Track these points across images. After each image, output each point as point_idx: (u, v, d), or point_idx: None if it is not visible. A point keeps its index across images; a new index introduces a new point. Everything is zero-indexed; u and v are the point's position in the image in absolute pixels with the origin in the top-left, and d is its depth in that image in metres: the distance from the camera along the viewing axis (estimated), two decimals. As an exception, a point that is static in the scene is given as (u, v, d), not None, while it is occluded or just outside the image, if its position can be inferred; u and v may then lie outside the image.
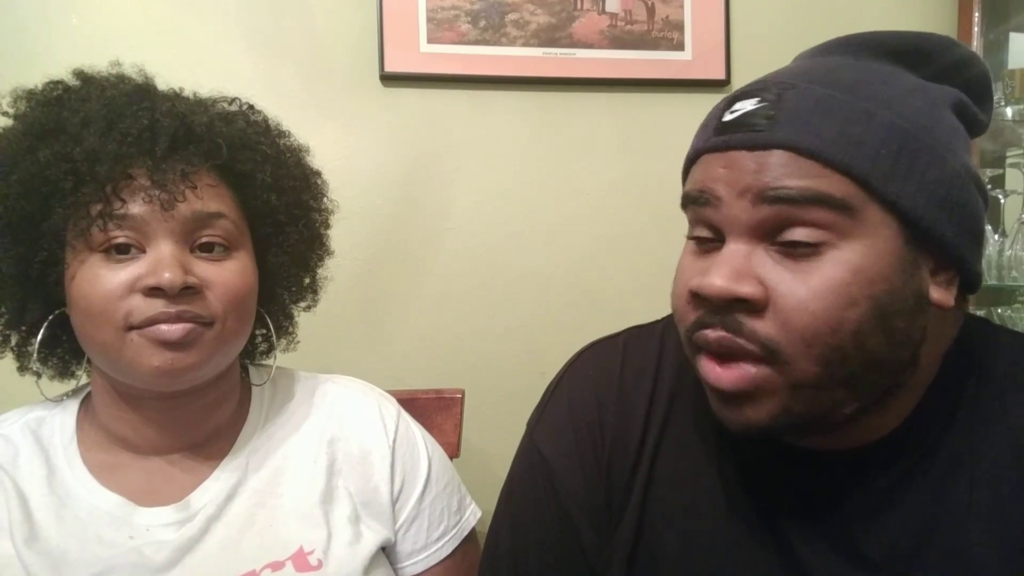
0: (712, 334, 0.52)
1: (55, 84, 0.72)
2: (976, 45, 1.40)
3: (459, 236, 1.32)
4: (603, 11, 1.32)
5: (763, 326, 0.50)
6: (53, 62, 1.18)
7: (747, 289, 0.50)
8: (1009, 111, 1.36)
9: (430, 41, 1.27)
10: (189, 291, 0.65)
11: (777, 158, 0.50)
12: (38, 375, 0.74)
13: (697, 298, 0.53)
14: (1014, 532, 0.53)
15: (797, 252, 0.50)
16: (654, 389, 0.65)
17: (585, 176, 1.34)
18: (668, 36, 1.34)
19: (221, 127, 0.71)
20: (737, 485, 0.60)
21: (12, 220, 0.66)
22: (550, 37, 1.30)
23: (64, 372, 0.76)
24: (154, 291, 0.64)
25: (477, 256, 1.32)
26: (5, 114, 0.70)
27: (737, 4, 1.37)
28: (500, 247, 1.33)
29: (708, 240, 0.54)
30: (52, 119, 0.67)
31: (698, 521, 0.61)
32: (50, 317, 0.70)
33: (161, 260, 0.65)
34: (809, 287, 0.49)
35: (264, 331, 0.81)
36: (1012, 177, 1.42)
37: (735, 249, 0.51)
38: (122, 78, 0.73)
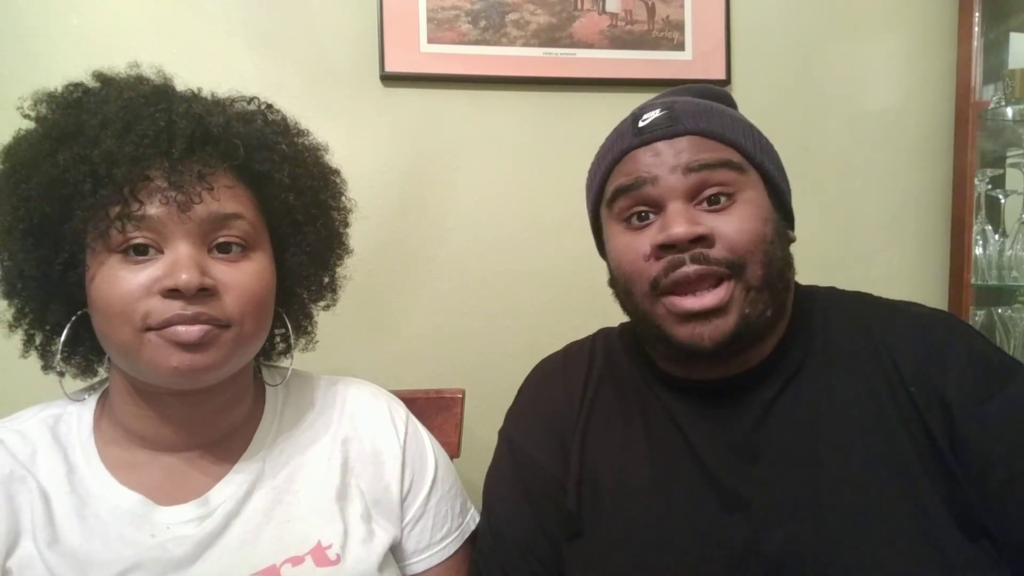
0: (689, 268, 0.68)
1: (75, 86, 0.72)
2: (976, 45, 1.40)
3: (459, 236, 1.32)
4: (603, 11, 1.32)
5: (719, 252, 0.69)
6: (53, 62, 1.19)
7: (701, 228, 0.68)
8: (1009, 111, 1.37)
9: (430, 41, 1.27)
10: (205, 292, 0.66)
11: (688, 142, 0.71)
12: (61, 374, 0.74)
13: (661, 249, 0.69)
14: (872, 425, 0.70)
15: (720, 204, 0.70)
16: (588, 373, 0.84)
17: (585, 176, 1.34)
18: (668, 36, 1.34)
19: (238, 127, 0.71)
20: (657, 424, 0.77)
21: (33, 223, 0.66)
22: (550, 37, 1.30)
23: (87, 371, 0.76)
24: (172, 293, 0.64)
25: (477, 256, 1.32)
26: (27, 117, 0.71)
27: (737, 4, 1.37)
28: (500, 247, 1.33)
29: (643, 217, 0.72)
30: (72, 122, 0.68)
31: (628, 453, 0.77)
32: (73, 318, 0.71)
33: (178, 261, 0.65)
34: (739, 219, 0.70)
35: (283, 331, 0.81)
36: (1012, 177, 1.42)
37: (678, 207, 0.70)
38: (141, 79, 0.73)
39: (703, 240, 0.68)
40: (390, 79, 1.28)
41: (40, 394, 0.78)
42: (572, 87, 1.33)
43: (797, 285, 0.79)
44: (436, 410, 1.05)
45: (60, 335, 0.72)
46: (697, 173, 0.70)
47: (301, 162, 0.77)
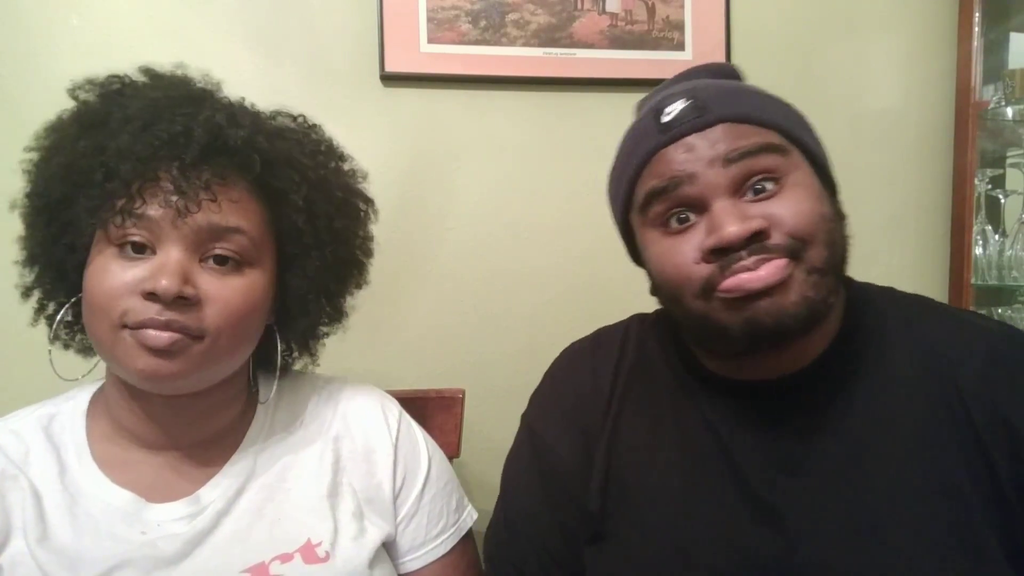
0: (747, 260, 0.61)
1: (116, 78, 0.73)
2: (976, 45, 1.40)
3: (459, 236, 1.32)
4: (603, 11, 1.32)
5: (778, 239, 0.62)
6: (53, 62, 1.19)
7: (756, 223, 0.62)
8: (1009, 111, 1.37)
9: (430, 41, 1.27)
10: (185, 301, 0.65)
11: (722, 131, 0.65)
12: (66, 347, 0.76)
13: (714, 253, 0.63)
14: (926, 444, 0.64)
15: (768, 192, 0.64)
16: (618, 365, 0.79)
17: (585, 176, 1.34)
18: (668, 36, 1.34)
19: (262, 143, 0.70)
20: (691, 425, 0.72)
21: (48, 201, 0.69)
22: (550, 37, 1.30)
23: (89, 350, 0.77)
24: (151, 295, 0.64)
25: (477, 256, 1.32)
26: (74, 98, 0.73)
27: (737, 4, 1.37)
28: (500, 247, 1.33)
29: (684, 219, 0.66)
30: (102, 111, 0.70)
31: (659, 456, 0.72)
32: (72, 300, 0.72)
33: (164, 266, 0.65)
34: (793, 202, 0.63)
35: (284, 347, 0.80)
36: (1012, 177, 1.42)
37: (724, 204, 0.63)
38: (182, 81, 0.74)
39: (759, 234, 0.62)
40: (390, 79, 1.28)
41: (39, 393, 0.78)
42: (572, 87, 1.33)
43: (849, 280, 0.73)
44: (436, 410, 1.05)
45: (64, 310, 0.73)
46: (738, 163, 0.63)
47: (324, 186, 0.76)
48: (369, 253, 0.84)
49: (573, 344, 0.85)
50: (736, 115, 0.65)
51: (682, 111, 0.66)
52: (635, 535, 0.71)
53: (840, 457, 0.65)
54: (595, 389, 0.78)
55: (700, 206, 0.65)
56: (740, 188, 0.64)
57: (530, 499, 0.79)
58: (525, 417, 0.84)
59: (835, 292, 0.65)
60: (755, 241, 0.62)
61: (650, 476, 0.72)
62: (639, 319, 0.83)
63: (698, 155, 0.64)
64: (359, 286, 0.85)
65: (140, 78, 0.74)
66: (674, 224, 0.66)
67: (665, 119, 0.67)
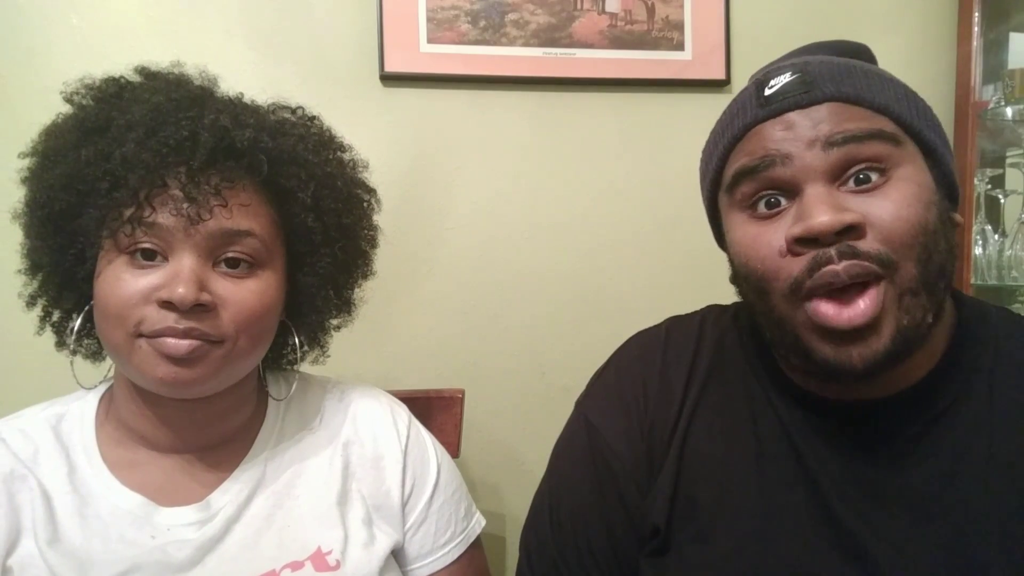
0: (838, 266, 0.56)
1: (113, 81, 0.72)
2: (976, 45, 1.40)
3: (459, 236, 1.32)
4: (603, 11, 1.32)
5: (871, 244, 0.56)
6: (53, 62, 1.19)
7: (851, 216, 0.56)
8: (1009, 111, 1.37)
9: (430, 41, 1.27)
10: (201, 308, 0.65)
11: (828, 110, 0.59)
12: (74, 353, 0.75)
13: (799, 244, 0.57)
14: None
15: (871, 183, 0.57)
16: (693, 364, 0.72)
17: (585, 176, 1.34)
18: (668, 36, 1.34)
19: (267, 142, 0.70)
20: (770, 440, 0.66)
21: (53, 211, 0.67)
22: (550, 37, 1.30)
23: (97, 355, 0.77)
24: (167, 304, 0.64)
25: (477, 256, 1.32)
26: (69, 101, 0.71)
27: (737, 4, 1.37)
28: (500, 247, 1.33)
29: (773, 204, 0.60)
30: (103, 117, 0.68)
31: (733, 472, 0.66)
32: (84, 308, 0.71)
33: (179, 274, 0.65)
34: (895, 202, 0.57)
35: (294, 342, 0.80)
36: (1012, 177, 1.42)
37: (818, 191, 0.57)
38: (181, 81, 0.73)
39: (852, 230, 0.56)
40: (390, 79, 1.28)
41: (45, 392, 0.78)
42: (572, 87, 1.33)
43: (964, 297, 0.67)
44: (436, 410, 1.05)
45: (72, 318, 0.72)
46: (841, 148, 0.57)
47: (329, 182, 0.76)
48: (374, 244, 0.84)
49: (641, 334, 0.78)
50: (847, 95, 0.59)
51: (786, 84, 0.60)
52: (702, 556, 0.65)
53: (935, 492, 0.59)
54: (665, 390, 0.71)
55: (793, 190, 0.59)
56: (840, 175, 0.58)
57: (581, 495, 0.73)
58: (581, 405, 0.77)
59: (932, 312, 0.58)
60: (846, 237, 0.56)
61: (722, 492, 0.66)
62: (715, 313, 0.76)
63: (797, 134, 0.58)
64: (366, 277, 0.85)
65: (136, 79, 0.73)
66: (762, 208, 0.60)
67: (767, 91, 0.61)
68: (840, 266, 0.55)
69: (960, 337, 0.63)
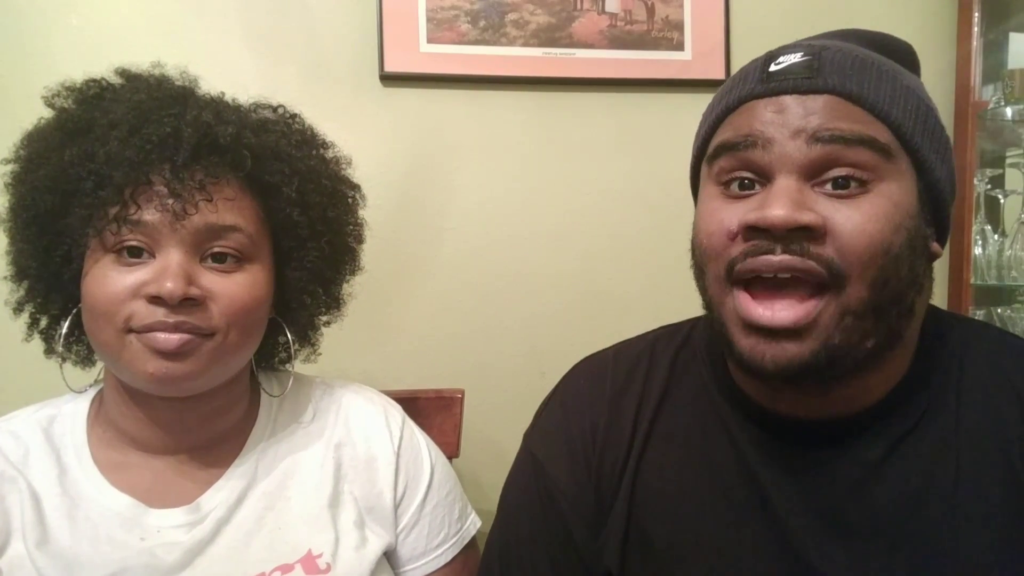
0: (775, 258, 0.54)
1: (94, 82, 0.72)
2: (976, 45, 1.40)
3: (459, 236, 1.32)
4: (603, 11, 1.32)
5: (826, 250, 0.53)
6: (53, 62, 1.19)
7: (809, 217, 0.53)
8: (1009, 111, 1.37)
9: (430, 41, 1.27)
10: (190, 302, 0.65)
11: (825, 103, 0.55)
12: (63, 359, 0.74)
13: (752, 231, 0.55)
14: (997, 516, 0.56)
15: (848, 190, 0.54)
16: (643, 391, 0.69)
17: (585, 176, 1.34)
18: (668, 36, 1.34)
19: (250, 138, 0.70)
20: (725, 469, 0.63)
21: (38, 213, 0.67)
22: (550, 37, 1.30)
23: (87, 360, 0.77)
24: (156, 299, 0.64)
25: (477, 256, 1.32)
26: (50, 105, 0.71)
27: (737, 4, 1.37)
28: (500, 247, 1.33)
29: (746, 185, 0.57)
30: (84, 118, 0.68)
31: (688, 506, 0.63)
32: (72, 311, 0.71)
33: (166, 269, 0.65)
34: (864, 214, 0.53)
35: (285, 339, 0.81)
36: (1012, 177, 1.42)
37: (788, 184, 0.54)
38: (162, 81, 0.73)
39: (808, 232, 0.53)
40: (390, 79, 1.28)
41: (39, 394, 0.78)
42: (571, 87, 1.33)
43: (937, 312, 0.64)
44: (436, 410, 1.05)
45: (59, 326, 0.72)
46: (825, 145, 0.54)
47: (312, 178, 0.76)
48: (361, 239, 0.84)
49: (589, 361, 0.75)
50: (849, 91, 0.55)
51: (792, 65, 0.57)
52: None
53: (899, 520, 0.57)
54: (614, 423, 0.68)
55: (766, 176, 0.56)
56: (818, 174, 0.55)
57: (527, 531, 0.71)
58: (527, 439, 0.75)
59: (877, 338, 0.55)
60: (802, 238, 0.53)
61: (677, 530, 0.63)
62: (670, 331, 0.73)
63: (786, 120, 0.55)
64: (353, 272, 0.85)
65: (117, 80, 0.73)
66: (735, 188, 0.58)
67: (773, 67, 0.58)
68: (778, 257, 0.53)
69: (922, 354, 0.61)
